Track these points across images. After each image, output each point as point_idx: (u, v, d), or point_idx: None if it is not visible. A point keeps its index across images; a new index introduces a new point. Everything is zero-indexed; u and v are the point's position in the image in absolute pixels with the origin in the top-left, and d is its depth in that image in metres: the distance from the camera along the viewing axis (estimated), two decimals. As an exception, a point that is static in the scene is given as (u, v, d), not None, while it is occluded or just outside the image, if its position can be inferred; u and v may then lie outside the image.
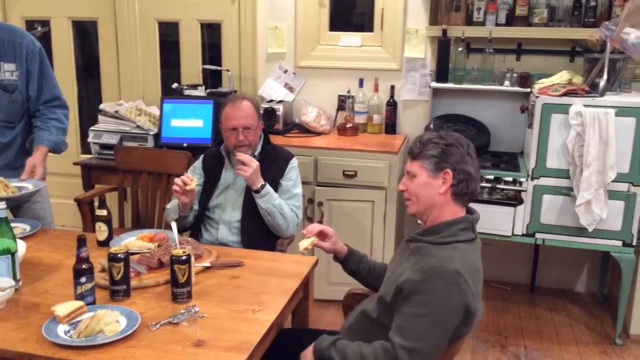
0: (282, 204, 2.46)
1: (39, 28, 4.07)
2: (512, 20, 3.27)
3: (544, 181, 2.97)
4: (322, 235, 1.97)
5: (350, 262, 2.00)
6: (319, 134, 3.58)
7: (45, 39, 4.02)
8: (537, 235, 3.04)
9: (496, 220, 3.03)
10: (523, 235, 3.05)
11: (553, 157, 2.93)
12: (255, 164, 2.40)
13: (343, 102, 3.69)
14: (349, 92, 3.66)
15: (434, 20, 3.41)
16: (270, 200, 2.42)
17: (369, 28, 3.68)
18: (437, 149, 1.66)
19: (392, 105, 3.60)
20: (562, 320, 3.34)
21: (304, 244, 1.91)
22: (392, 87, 3.60)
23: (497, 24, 3.28)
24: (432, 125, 3.36)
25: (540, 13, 3.21)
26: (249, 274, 2.00)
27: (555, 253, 3.54)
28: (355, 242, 3.28)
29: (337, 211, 3.31)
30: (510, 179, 3.02)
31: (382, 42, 3.64)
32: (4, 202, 1.79)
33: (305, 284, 2.05)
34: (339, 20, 3.74)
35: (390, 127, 3.61)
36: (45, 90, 2.49)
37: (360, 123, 3.63)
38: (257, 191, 2.41)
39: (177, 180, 2.37)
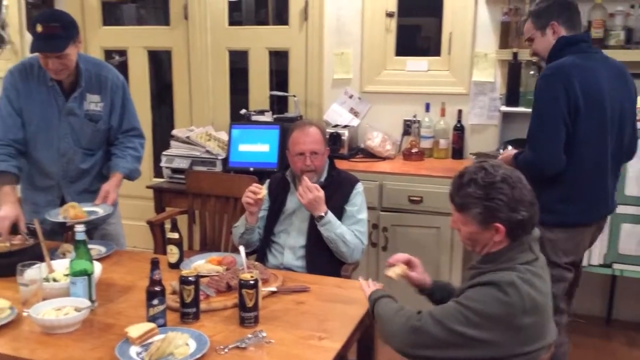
0: (345, 232, 2.44)
1: (117, 57, 4.29)
2: (587, 41, 3.16)
3: (623, 209, 2.83)
4: (409, 264, 1.89)
5: (437, 292, 1.91)
6: (384, 158, 3.57)
7: (122, 68, 4.22)
8: (615, 265, 2.89)
9: (570, 250, 2.90)
10: (600, 265, 2.90)
11: (632, 183, 2.79)
12: (315, 193, 2.37)
13: (409, 127, 3.67)
14: (414, 116, 3.63)
15: (503, 43, 3.35)
16: (332, 229, 2.41)
17: (436, 52, 3.66)
18: (480, 206, 1.56)
19: (459, 129, 3.55)
20: (642, 357, 3.14)
21: (394, 271, 1.83)
22: (460, 112, 3.55)
23: (570, 47, 3.17)
24: (501, 150, 3.27)
25: (616, 35, 3.09)
26: (314, 299, 2.00)
27: (634, 284, 3.34)
28: (421, 269, 3.25)
29: (401, 237, 3.27)
30: (585, 206, 2.89)
31: (449, 66, 3.60)
32: (82, 226, 1.87)
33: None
34: (406, 45, 3.74)
35: (457, 152, 3.56)
36: (125, 121, 2.61)
37: (426, 148, 3.60)
38: (318, 219, 2.41)
39: (247, 193, 2.42)
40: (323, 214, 2.40)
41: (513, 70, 3.28)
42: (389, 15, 3.64)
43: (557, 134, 2.24)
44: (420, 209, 3.21)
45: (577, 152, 2.26)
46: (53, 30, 2.25)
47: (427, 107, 3.61)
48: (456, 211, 1.64)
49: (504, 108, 3.30)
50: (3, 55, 4.47)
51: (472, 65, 3.52)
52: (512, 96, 3.29)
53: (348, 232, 2.46)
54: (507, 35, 3.34)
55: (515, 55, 3.25)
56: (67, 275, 1.91)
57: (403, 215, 3.24)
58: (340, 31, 3.76)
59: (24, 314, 1.79)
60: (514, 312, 1.47)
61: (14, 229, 2.29)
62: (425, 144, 3.60)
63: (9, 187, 2.37)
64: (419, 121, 3.62)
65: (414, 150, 3.54)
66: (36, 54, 2.35)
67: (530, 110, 3.20)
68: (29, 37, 4.28)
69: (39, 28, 2.25)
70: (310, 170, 2.50)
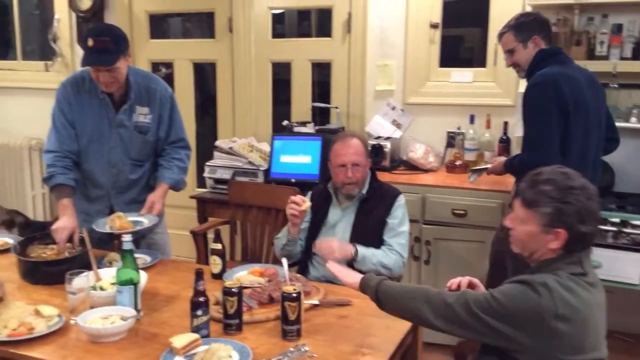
0: (380, 257, 2.40)
1: (163, 70, 4.37)
2: (639, 53, 3.06)
3: (676, 226, 2.72)
4: (472, 287, 1.84)
5: None
6: (426, 171, 3.52)
7: (168, 80, 4.30)
8: (669, 284, 2.77)
9: (621, 267, 2.79)
10: (652, 283, 2.79)
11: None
12: (334, 245, 2.28)
13: (452, 139, 3.61)
14: (458, 128, 3.58)
15: (551, 54, 3.27)
16: (368, 263, 2.36)
17: (481, 63, 3.60)
18: (551, 206, 1.53)
19: (505, 142, 3.47)
20: (700, 382, 2.99)
21: None
22: (506, 124, 3.48)
23: (622, 58, 3.08)
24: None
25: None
26: (357, 314, 1.97)
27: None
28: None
29: (445, 251, 3.22)
30: (638, 222, 2.78)
31: (495, 77, 3.54)
32: (130, 235, 1.90)
33: (414, 328, 1.98)
34: (450, 56, 3.70)
35: (503, 164, 3.48)
36: (172, 133, 2.65)
37: (470, 160, 3.53)
38: (351, 261, 2.34)
39: (291, 205, 2.41)
40: (353, 254, 2.34)
41: (561, 82, 3.19)
42: (433, 26, 3.61)
43: (553, 136, 2.48)
44: (464, 223, 3.16)
45: (567, 151, 2.50)
46: (104, 44, 2.31)
47: (472, 119, 3.55)
48: (522, 206, 1.59)
49: (552, 120, 3.21)
50: (54, 67, 4.64)
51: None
52: (560, 108, 3.20)
53: (384, 255, 2.42)
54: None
55: (563, 66, 3.17)
56: (113, 283, 1.95)
57: (446, 228, 3.19)
58: (383, 43, 3.75)
59: (72, 321, 1.83)
60: (544, 314, 1.44)
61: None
62: (470, 156, 3.54)
63: (67, 200, 2.42)
64: (463, 133, 3.57)
65: (457, 163, 3.49)
66: (87, 67, 2.42)
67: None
68: (79, 50, 4.44)
69: (90, 42, 2.31)
70: (351, 183, 2.48)
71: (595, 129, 2.61)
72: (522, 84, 3.42)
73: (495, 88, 3.54)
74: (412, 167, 3.56)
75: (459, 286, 1.82)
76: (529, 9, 3.38)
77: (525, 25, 2.64)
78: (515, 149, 3.50)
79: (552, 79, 2.48)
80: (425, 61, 3.67)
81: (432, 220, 3.22)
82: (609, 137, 2.75)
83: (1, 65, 4.95)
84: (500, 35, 2.73)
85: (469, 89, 3.60)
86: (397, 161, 3.65)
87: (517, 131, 3.49)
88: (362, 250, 2.37)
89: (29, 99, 4.72)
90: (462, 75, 3.61)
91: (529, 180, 1.60)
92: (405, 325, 1.87)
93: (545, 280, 1.47)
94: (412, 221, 2.84)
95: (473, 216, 3.12)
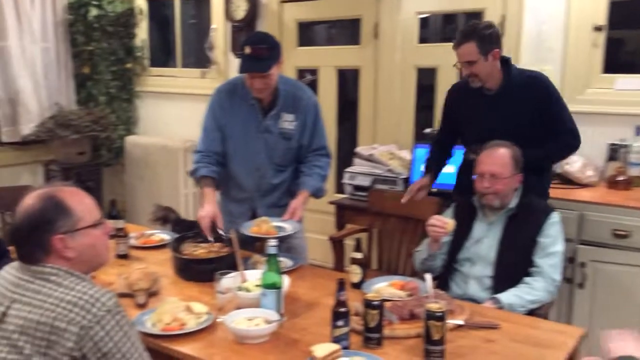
0: (525, 294, 2.22)
1: (308, 76, 4.46)
2: None
3: None
4: None
5: None
6: (584, 186, 3.23)
7: (312, 86, 4.38)
8: None
9: None
10: None
11: None
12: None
13: (615, 152, 3.28)
14: (622, 140, 3.24)
15: None
16: (517, 308, 2.18)
17: (652, 69, 3.25)
18: None
19: (677, 157, 3.09)
20: None
21: None
22: (680, 137, 3.10)
23: None
24: None
25: None
26: (505, 339, 1.84)
27: None
28: (623, 312, 2.87)
29: (602, 275, 2.93)
30: None
31: (668, 85, 3.17)
32: (276, 240, 1.93)
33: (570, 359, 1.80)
34: (615, 62, 3.36)
35: (675, 182, 3.10)
36: (314, 140, 2.68)
37: (634, 176, 3.18)
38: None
39: (434, 228, 2.34)
40: (499, 306, 2.16)
41: None
42: (597, 29, 3.31)
43: None
44: (626, 245, 2.85)
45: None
46: (260, 52, 2.40)
47: (638, 131, 3.20)
48: None
49: None
50: (209, 74, 4.93)
51: (699, 84, 3.06)
52: None
53: (528, 291, 2.23)
54: None
55: None
56: (258, 285, 1.99)
57: (605, 250, 2.89)
58: (539, 47, 3.50)
59: (219, 320, 1.89)
60: None
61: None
62: (635, 171, 3.18)
63: (208, 189, 2.59)
64: (627, 146, 3.22)
65: (620, 178, 3.15)
66: (241, 74, 2.51)
67: None
68: (232, 58, 4.67)
69: (248, 50, 2.41)
70: (488, 193, 2.35)
71: None
72: None
73: (669, 97, 3.16)
74: (568, 181, 3.29)
75: None
76: None
77: (488, 38, 2.55)
78: (693, 166, 3.10)
79: None
80: (587, 67, 3.37)
81: (589, 241, 2.94)
82: None
83: (163, 72, 5.36)
84: (459, 44, 2.58)
85: (635, 97, 3.24)
86: (551, 174, 3.38)
87: (694, 145, 3.09)
88: (506, 299, 2.19)
89: (186, 104, 5.06)
90: (628, 82, 3.27)
91: None
92: (560, 355, 1.71)
93: None
94: (566, 240, 2.62)
95: (638, 238, 2.81)
